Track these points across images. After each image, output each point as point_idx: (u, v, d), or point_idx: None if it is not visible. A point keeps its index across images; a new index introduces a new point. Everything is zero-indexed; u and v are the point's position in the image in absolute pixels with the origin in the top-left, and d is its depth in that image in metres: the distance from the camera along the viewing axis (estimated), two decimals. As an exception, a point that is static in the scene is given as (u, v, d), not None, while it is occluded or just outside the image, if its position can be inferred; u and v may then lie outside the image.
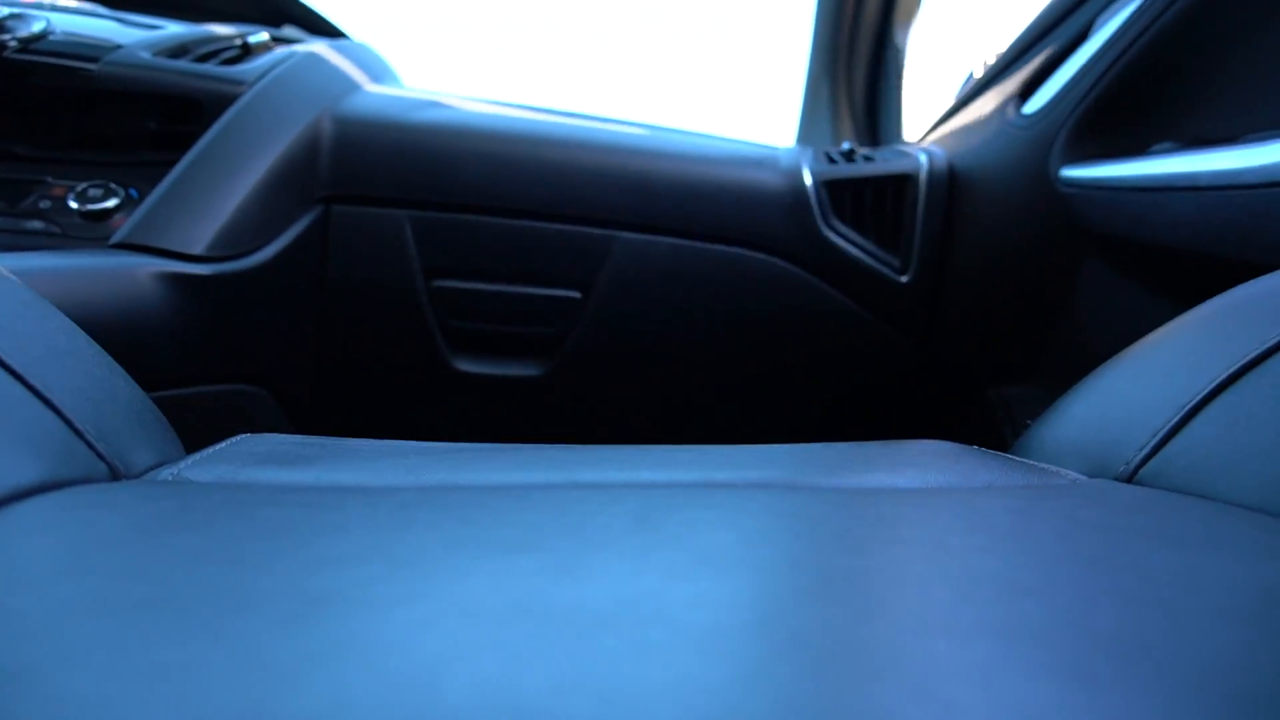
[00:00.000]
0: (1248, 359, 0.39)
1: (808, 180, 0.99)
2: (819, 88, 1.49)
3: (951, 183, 1.00)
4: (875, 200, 1.00)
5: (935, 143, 1.09)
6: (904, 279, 1.00)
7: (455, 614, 0.22)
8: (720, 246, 0.97)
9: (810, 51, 1.48)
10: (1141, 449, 0.41)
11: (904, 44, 1.40)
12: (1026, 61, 1.00)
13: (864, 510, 0.34)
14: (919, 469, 0.44)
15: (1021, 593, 0.25)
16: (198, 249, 0.73)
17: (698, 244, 0.97)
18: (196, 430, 0.51)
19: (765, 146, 1.05)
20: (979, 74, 1.10)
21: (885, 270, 1.00)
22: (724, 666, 0.20)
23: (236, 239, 0.77)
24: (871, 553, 0.28)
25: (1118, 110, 0.85)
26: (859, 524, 0.32)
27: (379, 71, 1.09)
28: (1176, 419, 0.40)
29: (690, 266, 0.97)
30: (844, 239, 0.99)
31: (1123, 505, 0.36)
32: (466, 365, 0.96)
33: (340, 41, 1.05)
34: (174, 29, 0.91)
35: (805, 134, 1.58)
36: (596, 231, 0.95)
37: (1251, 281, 0.46)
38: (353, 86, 0.97)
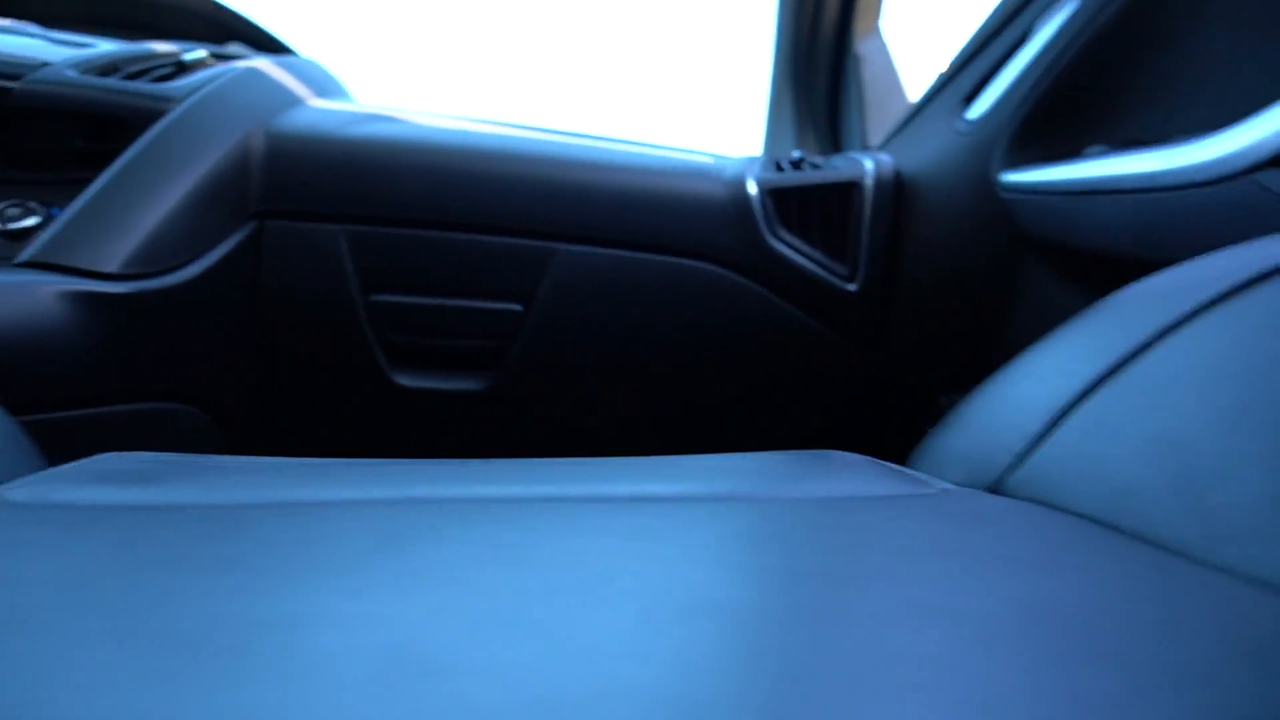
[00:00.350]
0: (1110, 364, 0.37)
1: (752, 189, 0.98)
2: (782, 97, 1.48)
3: (898, 190, 0.99)
4: (821, 208, 0.99)
5: (889, 150, 1.08)
6: (852, 287, 0.99)
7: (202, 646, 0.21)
8: (662, 257, 0.96)
9: (773, 61, 1.48)
10: (1009, 457, 0.39)
11: (866, 52, 1.39)
12: (972, 67, 0.99)
13: (707, 522, 0.33)
14: (793, 480, 0.42)
15: (807, 606, 0.24)
16: (111, 267, 0.72)
17: (639, 255, 0.96)
18: (124, 450, 0.50)
19: (711, 156, 1.05)
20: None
21: (832, 279, 0.98)
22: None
23: (158, 256, 0.76)
24: (660, 563, 0.27)
25: (1055, 114, 0.84)
26: (678, 533, 0.30)
27: (325, 87, 1.08)
28: (1042, 426, 0.38)
29: (632, 278, 0.96)
30: (790, 248, 0.98)
31: (970, 517, 0.35)
32: (407, 380, 0.95)
33: (285, 58, 1.05)
34: (106, 47, 0.91)
35: (771, 143, 1.57)
36: (536, 244, 0.94)
37: (1135, 282, 0.45)
38: (292, 102, 0.97)
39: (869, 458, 0.49)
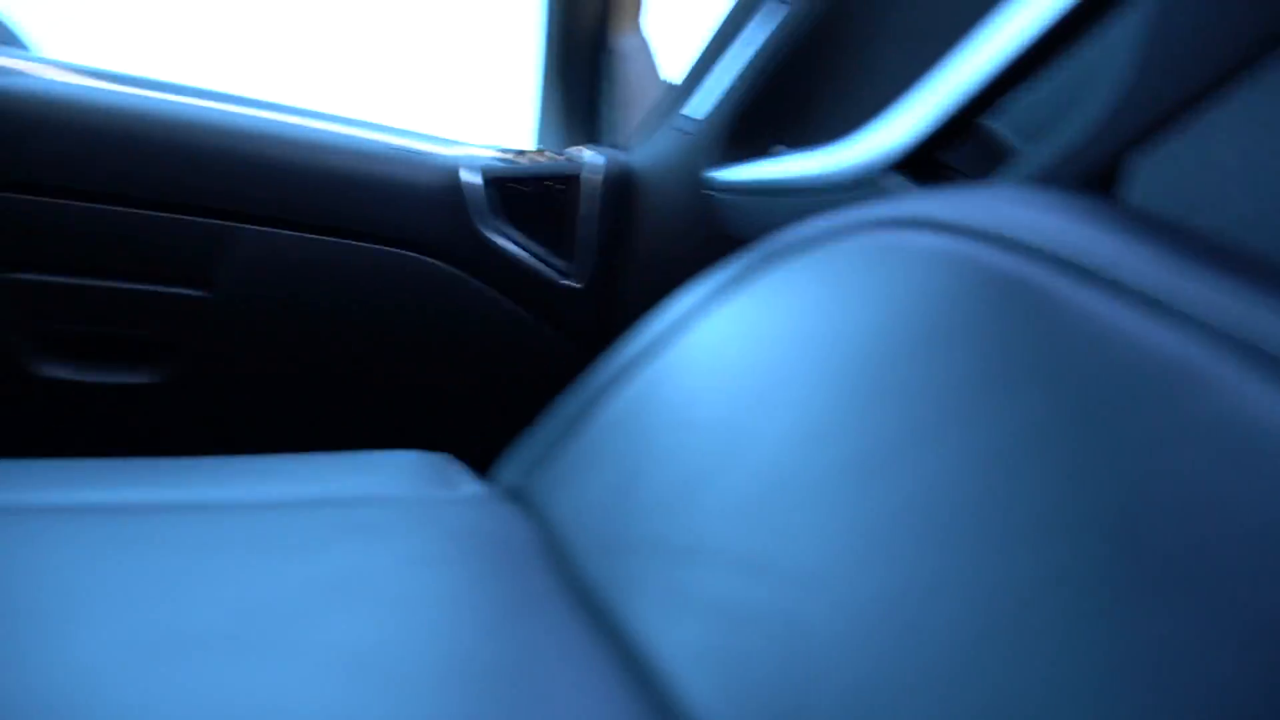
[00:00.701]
0: (620, 372, 0.35)
1: (466, 177, 0.93)
2: (549, 91, 1.45)
3: (624, 187, 0.97)
4: (543, 201, 0.96)
5: (631, 147, 1.06)
6: (573, 284, 0.96)
7: None
8: (364, 244, 0.89)
9: (540, 55, 1.44)
10: (531, 463, 0.36)
11: (626, 49, 1.38)
12: (702, 68, 0.99)
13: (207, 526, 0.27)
14: (321, 482, 0.37)
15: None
16: None
17: (339, 240, 0.89)
18: None
19: (427, 139, 0.99)
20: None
21: (553, 274, 0.95)
22: None
23: None
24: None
25: (756, 115, 0.84)
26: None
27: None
28: (559, 435, 0.35)
29: (330, 264, 0.88)
30: (509, 240, 0.94)
31: (458, 523, 0.31)
32: (58, 372, 0.83)
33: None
34: None
35: (542, 138, 1.53)
36: (218, 224, 0.85)
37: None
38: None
39: (448, 458, 0.45)
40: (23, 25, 1.01)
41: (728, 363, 0.29)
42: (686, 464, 0.25)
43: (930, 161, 0.55)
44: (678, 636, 0.18)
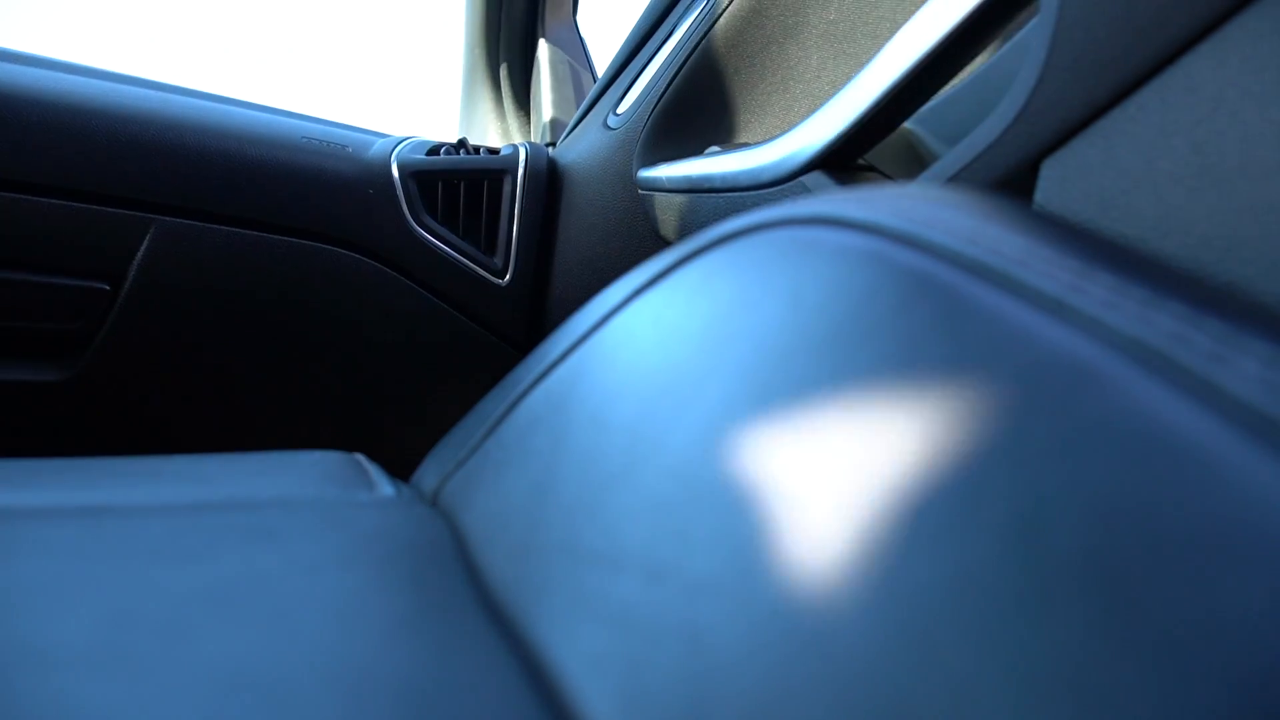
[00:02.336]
0: (538, 372, 0.34)
1: (394, 170, 0.91)
2: (475, 85, 1.43)
3: (551, 183, 0.96)
4: (470, 197, 0.94)
5: (560, 143, 1.05)
6: (500, 281, 0.94)
7: None
8: (287, 238, 0.86)
9: (465, 46, 1.42)
10: (451, 466, 0.35)
11: (558, 41, 1.36)
12: (628, 64, 0.98)
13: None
14: (222, 483, 0.36)
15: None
16: None
17: (259, 234, 0.86)
18: None
19: (354, 130, 0.96)
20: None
21: (481, 271, 0.94)
22: None
23: None
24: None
25: (684, 113, 0.84)
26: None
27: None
28: (479, 437, 0.34)
29: (250, 259, 0.85)
30: (435, 236, 0.92)
31: (366, 527, 0.30)
32: (-49, 367, 0.79)
33: None
34: None
35: (466, 131, 1.51)
36: (128, 214, 0.81)
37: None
38: None
39: (360, 459, 0.43)
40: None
41: (642, 361, 0.29)
42: (600, 466, 0.24)
43: (852, 162, 0.56)
44: (579, 643, 0.18)
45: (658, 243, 0.89)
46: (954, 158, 0.45)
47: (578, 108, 1.10)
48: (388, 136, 0.99)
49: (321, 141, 0.90)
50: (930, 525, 0.15)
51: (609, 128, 0.93)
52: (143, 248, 0.82)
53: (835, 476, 0.17)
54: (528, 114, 1.41)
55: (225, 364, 0.86)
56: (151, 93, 0.88)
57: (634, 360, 0.28)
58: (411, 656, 0.18)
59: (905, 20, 0.49)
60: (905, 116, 0.51)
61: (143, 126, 0.82)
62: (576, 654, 0.17)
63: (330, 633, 0.18)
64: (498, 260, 0.95)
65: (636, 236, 0.90)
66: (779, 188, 0.59)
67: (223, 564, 0.22)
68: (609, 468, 0.23)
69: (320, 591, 0.21)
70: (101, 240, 0.81)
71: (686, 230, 0.75)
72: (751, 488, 0.18)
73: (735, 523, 0.18)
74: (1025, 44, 0.53)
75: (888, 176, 0.56)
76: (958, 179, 0.45)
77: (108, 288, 0.82)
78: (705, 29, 0.79)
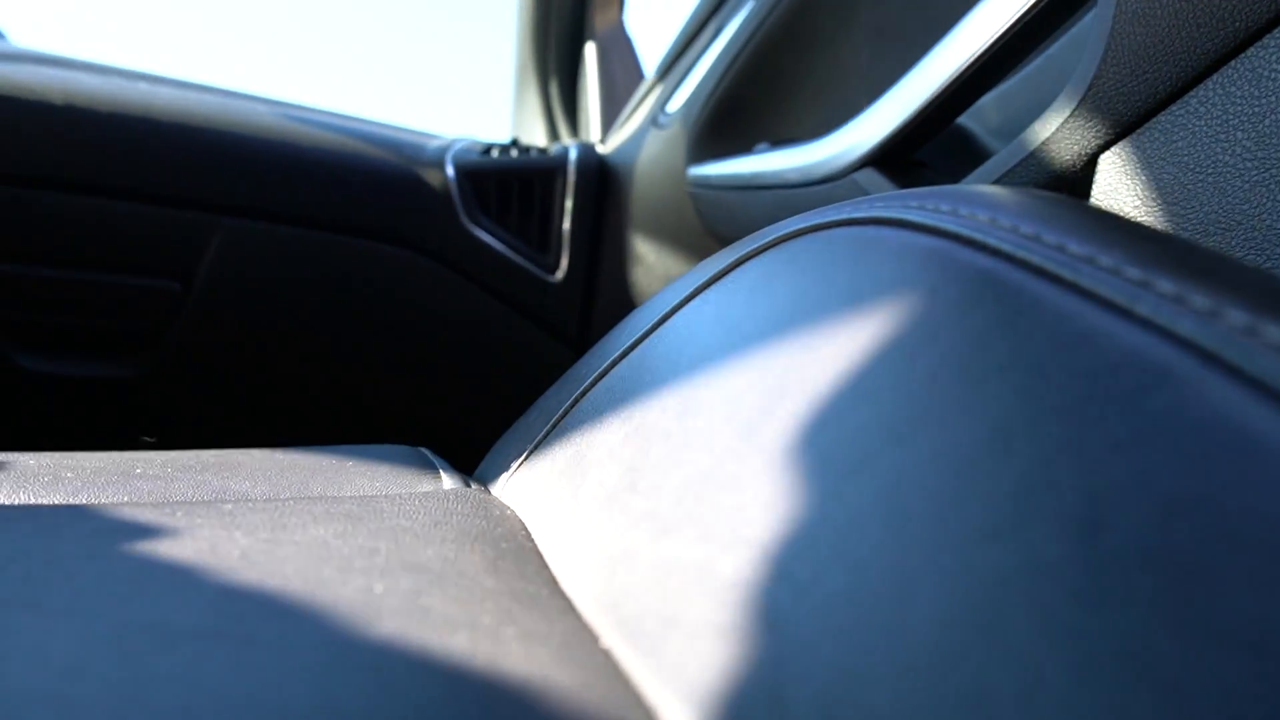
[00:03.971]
0: (601, 368, 0.35)
1: (449, 171, 0.93)
2: (526, 86, 1.44)
3: (603, 181, 0.97)
4: (522, 196, 0.96)
5: (609, 142, 1.06)
6: (554, 277, 0.96)
7: None
8: (344, 237, 0.89)
9: (515, 49, 1.44)
10: (513, 458, 0.36)
11: (606, 43, 1.37)
12: (678, 62, 0.99)
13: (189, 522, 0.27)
14: (294, 477, 0.38)
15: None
16: None
17: (319, 233, 0.88)
18: None
19: (411, 132, 0.99)
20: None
21: (533, 268, 0.95)
22: None
23: None
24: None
25: (734, 110, 0.85)
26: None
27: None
28: (543, 432, 0.36)
29: (312, 258, 0.88)
30: (489, 234, 0.94)
31: (438, 519, 0.31)
32: (37, 364, 0.83)
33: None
34: None
35: (518, 132, 1.53)
36: (196, 215, 0.84)
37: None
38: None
39: (426, 454, 0.45)
40: (-7, 14, 0.99)
41: (707, 359, 0.30)
42: (678, 468, 0.25)
43: (905, 159, 0.56)
44: (659, 639, 0.19)
45: (707, 239, 0.89)
46: (1009, 153, 0.45)
47: (625, 107, 1.11)
48: (442, 137, 1.01)
49: (379, 143, 0.93)
50: (1000, 517, 0.15)
51: (659, 126, 0.94)
52: (211, 248, 0.85)
53: (905, 471, 0.18)
54: (576, 114, 1.42)
55: (289, 359, 0.89)
56: (217, 98, 0.91)
57: (698, 358, 0.29)
58: (499, 644, 0.19)
59: (956, 16, 0.49)
60: (959, 113, 0.51)
61: (211, 132, 0.85)
62: (656, 650, 0.18)
63: (415, 619, 0.20)
64: (549, 257, 0.96)
65: (686, 233, 0.91)
66: (830, 184, 0.59)
67: (304, 552, 0.24)
68: (688, 471, 0.24)
69: (402, 579, 0.23)
70: (172, 241, 0.84)
71: (736, 227, 0.75)
72: (821, 482, 0.19)
73: (807, 517, 0.19)
74: (1081, 37, 0.53)
75: (940, 173, 0.56)
76: (1013, 174, 0.45)
77: (179, 287, 0.85)
78: (756, 26, 0.80)
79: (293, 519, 0.27)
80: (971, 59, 0.46)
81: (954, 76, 0.47)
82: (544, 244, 0.96)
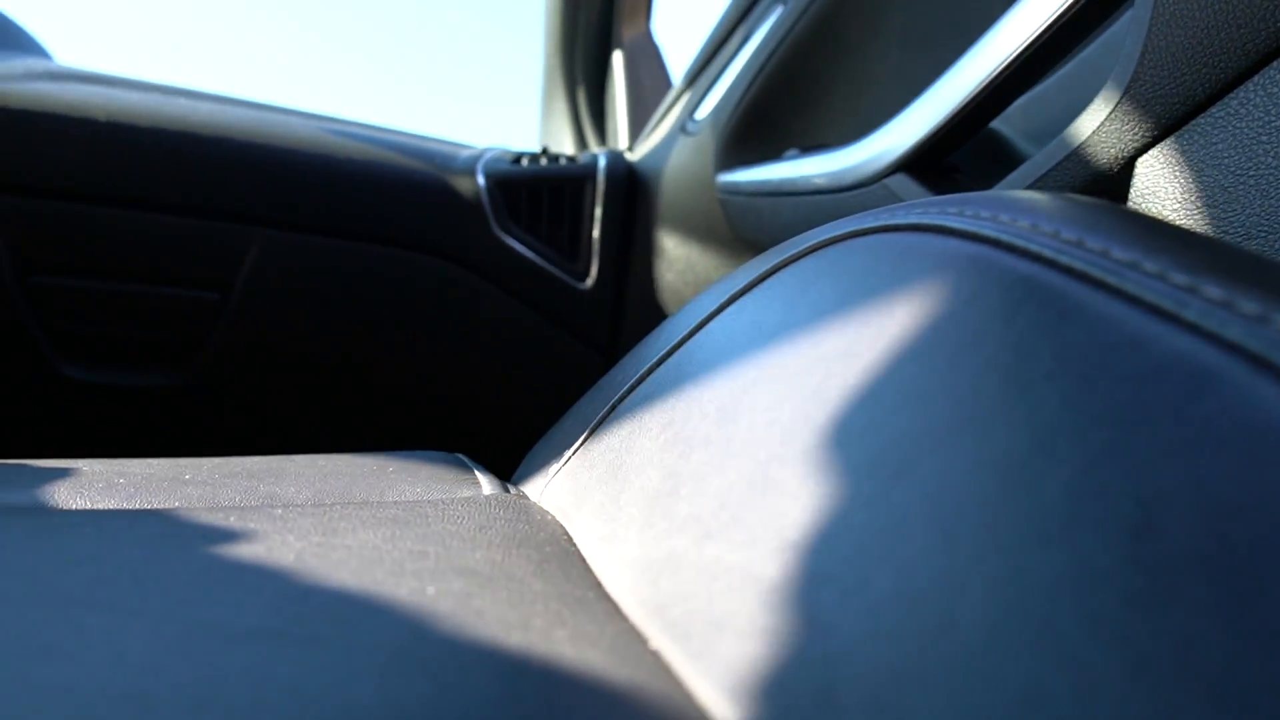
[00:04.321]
0: (637, 375, 0.35)
1: (480, 180, 0.94)
2: (552, 95, 1.45)
3: (631, 188, 0.98)
4: (552, 203, 0.97)
5: (636, 149, 1.07)
6: (584, 285, 0.96)
7: None
8: (378, 246, 0.90)
9: (542, 58, 1.45)
10: (551, 465, 0.37)
11: (633, 51, 1.38)
12: (706, 69, 1.00)
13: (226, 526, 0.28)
14: (338, 482, 0.38)
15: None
16: None
17: (353, 243, 0.89)
18: None
19: (442, 142, 1.00)
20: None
21: (564, 276, 0.96)
22: None
23: None
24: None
25: (763, 117, 0.85)
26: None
27: (4, 39, 0.95)
28: (580, 439, 0.36)
29: (346, 268, 0.89)
30: (520, 242, 0.95)
31: (481, 523, 0.32)
32: (80, 373, 0.85)
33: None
34: None
35: (545, 141, 1.54)
36: (233, 227, 0.86)
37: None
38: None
39: (464, 460, 0.45)
40: (41, 35, 1.02)
41: (745, 366, 0.30)
42: (719, 474, 0.25)
43: (937, 164, 0.56)
44: (709, 641, 0.19)
45: (737, 245, 0.90)
46: (1044, 157, 0.45)
47: (653, 114, 1.12)
48: (472, 147, 1.02)
49: (410, 153, 0.94)
50: (1050, 521, 0.16)
51: (688, 133, 0.94)
52: (248, 259, 0.86)
53: (951, 475, 0.18)
54: (604, 122, 1.43)
55: (323, 366, 0.90)
56: (253, 112, 0.93)
57: (736, 365, 0.30)
58: (552, 645, 0.19)
59: (987, 20, 0.49)
60: (993, 117, 0.50)
61: (247, 145, 0.87)
62: (706, 652, 0.19)
63: (469, 621, 0.20)
64: (579, 264, 0.97)
65: (716, 239, 0.91)
66: (862, 190, 0.59)
67: (356, 555, 0.24)
68: (730, 476, 0.25)
69: (454, 582, 0.23)
70: (211, 253, 0.86)
71: (766, 233, 0.76)
72: (866, 486, 0.19)
73: (852, 520, 0.19)
74: (1118, 38, 0.53)
75: (973, 177, 0.56)
76: (1048, 179, 0.45)
77: (218, 297, 0.87)
78: (784, 32, 0.80)
79: (342, 523, 0.28)
80: (1006, 62, 0.46)
81: (988, 80, 0.47)
82: (574, 251, 0.97)
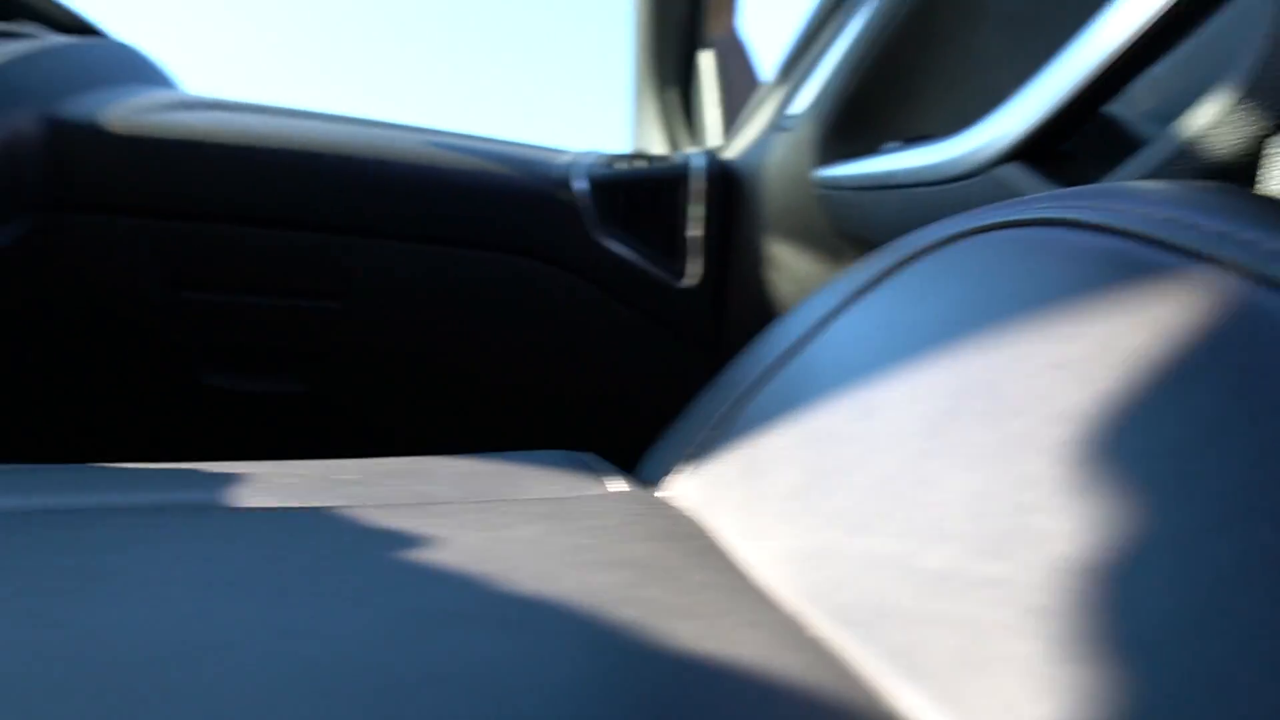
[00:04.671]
0: (760, 372, 0.36)
1: (577, 184, 0.97)
2: (643, 96, 1.47)
3: (727, 186, 0.99)
4: (649, 204, 0.98)
5: (729, 146, 1.07)
6: (683, 284, 0.98)
7: None
8: (484, 253, 0.94)
9: (631, 60, 1.47)
10: (678, 462, 0.38)
11: (722, 49, 1.39)
12: (799, 63, 1.00)
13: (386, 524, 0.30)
14: (473, 481, 0.41)
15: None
16: None
17: (460, 251, 0.93)
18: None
19: (540, 149, 1.03)
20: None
21: (663, 275, 0.97)
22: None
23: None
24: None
25: (861, 110, 0.85)
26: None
27: (140, 72, 1.03)
28: (705, 436, 0.37)
29: (454, 274, 0.93)
30: (619, 244, 0.97)
31: (616, 520, 0.33)
32: (220, 381, 0.91)
33: (88, 40, 0.99)
34: None
35: (637, 142, 1.56)
36: (352, 240, 0.91)
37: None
38: (86, 86, 0.91)
39: (589, 458, 0.47)
40: (170, 66, 1.09)
41: (876, 362, 0.31)
42: (865, 468, 0.26)
43: (1050, 152, 0.55)
44: (879, 636, 0.20)
45: (835, 241, 0.90)
46: (1168, 141, 0.44)
47: (744, 112, 1.12)
48: (570, 152, 1.04)
49: (511, 160, 0.97)
50: (1218, 509, 0.16)
51: (782, 128, 0.95)
52: (365, 270, 0.91)
53: (1113, 464, 0.19)
54: (693, 121, 1.44)
55: (436, 370, 0.94)
56: (364, 129, 0.97)
57: (868, 363, 0.30)
58: (721, 631, 0.21)
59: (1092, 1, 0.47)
60: (1111, 100, 0.49)
61: (361, 161, 0.92)
62: (872, 637, 0.20)
63: (641, 609, 0.22)
64: (678, 264, 0.98)
65: (814, 235, 0.91)
66: (969, 181, 0.59)
67: (523, 548, 0.26)
68: (875, 471, 0.25)
69: (617, 573, 0.25)
70: (331, 264, 0.91)
71: (868, 227, 0.75)
72: (1019, 480, 0.20)
73: (1010, 508, 0.20)
74: (1250, 11, 0.51)
75: (1088, 164, 0.55)
76: (1171, 165, 0.44)
77: (337, 307, 0.91)
78: (881, 23, 0.79)
79: (499, 519, 0.30)
80: (1127, 41, 0.45)
81: (1108, 60, 0.46)
82: (672, 251, 0.98)
